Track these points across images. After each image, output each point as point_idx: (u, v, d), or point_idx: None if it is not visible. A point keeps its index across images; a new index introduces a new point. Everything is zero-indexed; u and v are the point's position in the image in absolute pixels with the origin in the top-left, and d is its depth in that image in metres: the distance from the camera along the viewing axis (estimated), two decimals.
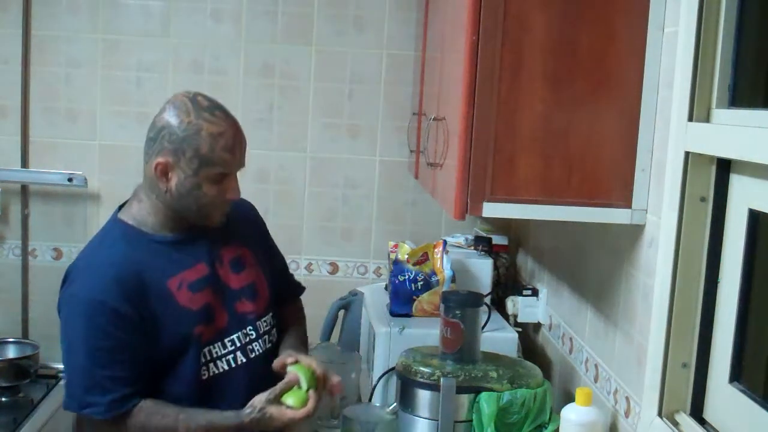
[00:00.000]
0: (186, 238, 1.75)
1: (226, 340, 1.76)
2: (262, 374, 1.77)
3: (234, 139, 1.68)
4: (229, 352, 1.76)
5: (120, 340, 1.64)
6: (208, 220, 1.75)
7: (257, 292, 1.84)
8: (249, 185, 2.34)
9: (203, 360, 1.73)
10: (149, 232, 1.73)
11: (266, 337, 1.84)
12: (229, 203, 1.75)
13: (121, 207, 1.80)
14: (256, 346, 1.80)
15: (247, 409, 1.66)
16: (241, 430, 1.66)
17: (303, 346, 1.93)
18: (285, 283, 2.05)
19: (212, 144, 1.64)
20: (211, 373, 1.74)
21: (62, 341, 1.69)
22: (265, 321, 1.85)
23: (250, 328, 1.80)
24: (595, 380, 1.87)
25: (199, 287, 1.73)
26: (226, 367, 1.76)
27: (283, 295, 2.00)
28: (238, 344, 1.77)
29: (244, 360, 1.78)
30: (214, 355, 1.74)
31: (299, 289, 2.09)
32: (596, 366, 1.87)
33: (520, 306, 2.35)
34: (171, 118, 1.66)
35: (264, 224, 2.01)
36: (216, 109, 1.68)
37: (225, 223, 1.79)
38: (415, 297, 2.22)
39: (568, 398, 1.81)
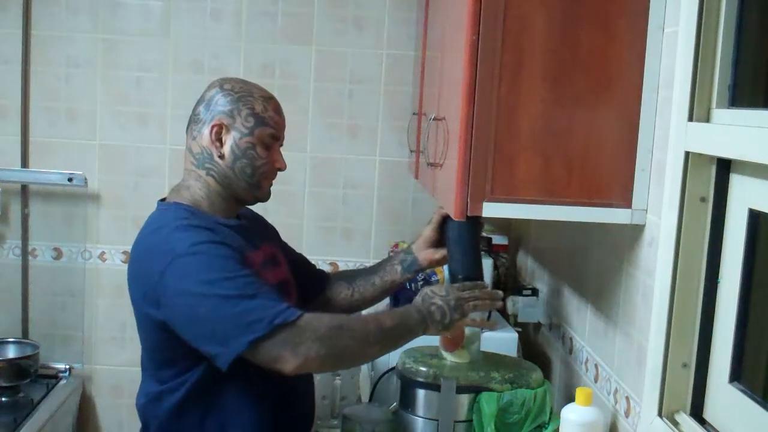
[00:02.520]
0: (240, 225, 1.75)
1: None
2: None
3: (279, 106, 1.77)
4: None
5: (251, 270, 1.61)
6: (259, 190, 1.74)
7: (290, 291, 1.83)
8: None
9: None
10: (208, 213, 1.71)
11: None
12: (275, 175, 1.77)
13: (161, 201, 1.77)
14: None
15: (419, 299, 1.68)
16: (426, 327, 1.66)
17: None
18: (311, 272, 2.03)
19: (265, 105, 1.73)
20: None
21: (199, 300, 1.54)
22: None
23: None
24: (595, 380, 1.87)
25: (266, 267, 1.73)
26: None
27: (316, 283, 1.99)
28: None
29: None
30: None
31: (325, 274, 2.06)
32: (596, 366, 1.87)
33: (520, 306, 2.35)
34: (221, 89, 1.72)
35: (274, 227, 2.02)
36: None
37: (256, 222, 1.84)
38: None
39: (568, 398, 1.81)
